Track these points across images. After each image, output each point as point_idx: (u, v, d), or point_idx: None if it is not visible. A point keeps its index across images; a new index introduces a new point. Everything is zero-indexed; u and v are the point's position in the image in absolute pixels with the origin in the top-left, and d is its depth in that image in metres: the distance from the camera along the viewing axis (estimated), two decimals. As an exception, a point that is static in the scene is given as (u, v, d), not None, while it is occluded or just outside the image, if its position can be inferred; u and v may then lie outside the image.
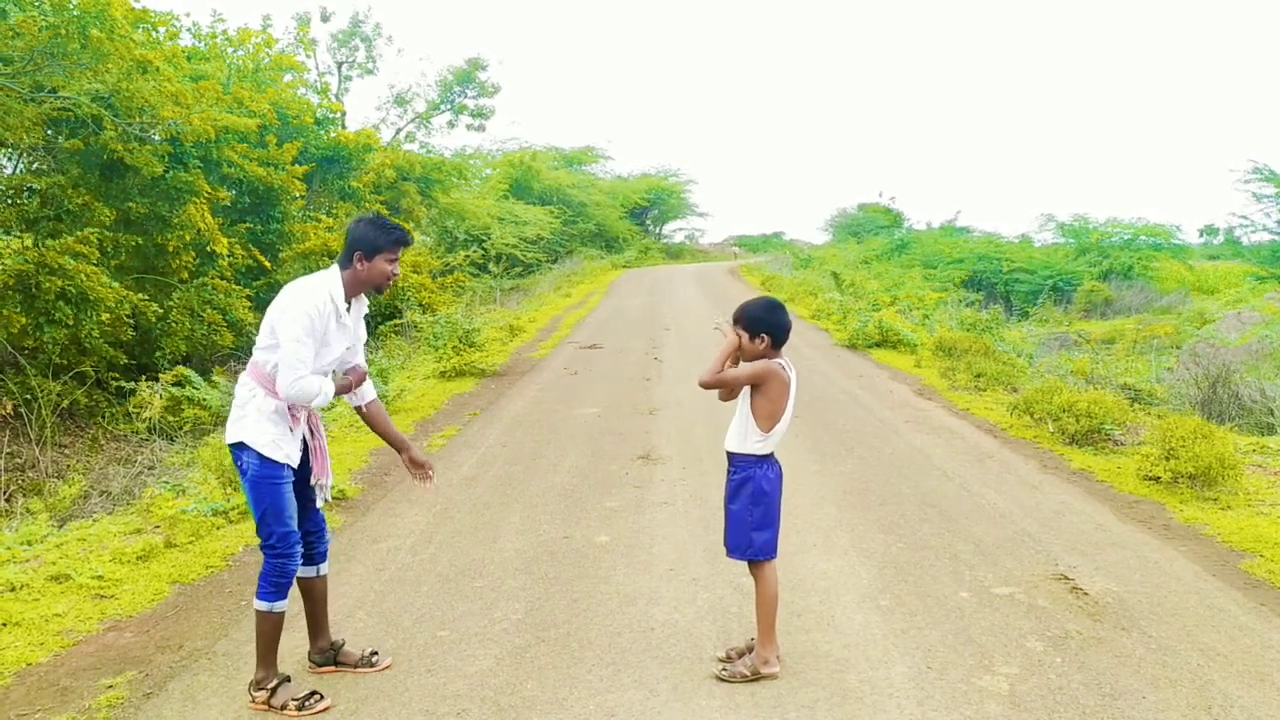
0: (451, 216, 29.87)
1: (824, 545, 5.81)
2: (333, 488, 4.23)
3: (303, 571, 4.13)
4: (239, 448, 3.89)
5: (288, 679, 3.98)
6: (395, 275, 4.03)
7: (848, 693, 3.93)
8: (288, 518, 3.92)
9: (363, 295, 4.12)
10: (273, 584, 3.90)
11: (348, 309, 4.01)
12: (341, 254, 4.01)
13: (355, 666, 4.21)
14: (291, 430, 3.93)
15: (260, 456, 3.84)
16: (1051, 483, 7.25)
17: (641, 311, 22.35)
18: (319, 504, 4.16)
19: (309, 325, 3.78)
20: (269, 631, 3.93)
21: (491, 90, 36.16)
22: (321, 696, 3.91)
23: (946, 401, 10.75)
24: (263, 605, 3.90)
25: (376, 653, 4.28)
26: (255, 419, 3.87)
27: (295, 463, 3.96)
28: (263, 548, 3.92)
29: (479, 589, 5.19)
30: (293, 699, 3.86)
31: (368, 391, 4.28)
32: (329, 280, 3.95)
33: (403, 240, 4.00)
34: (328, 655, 4.23)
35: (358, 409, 4.32)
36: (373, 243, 3.92)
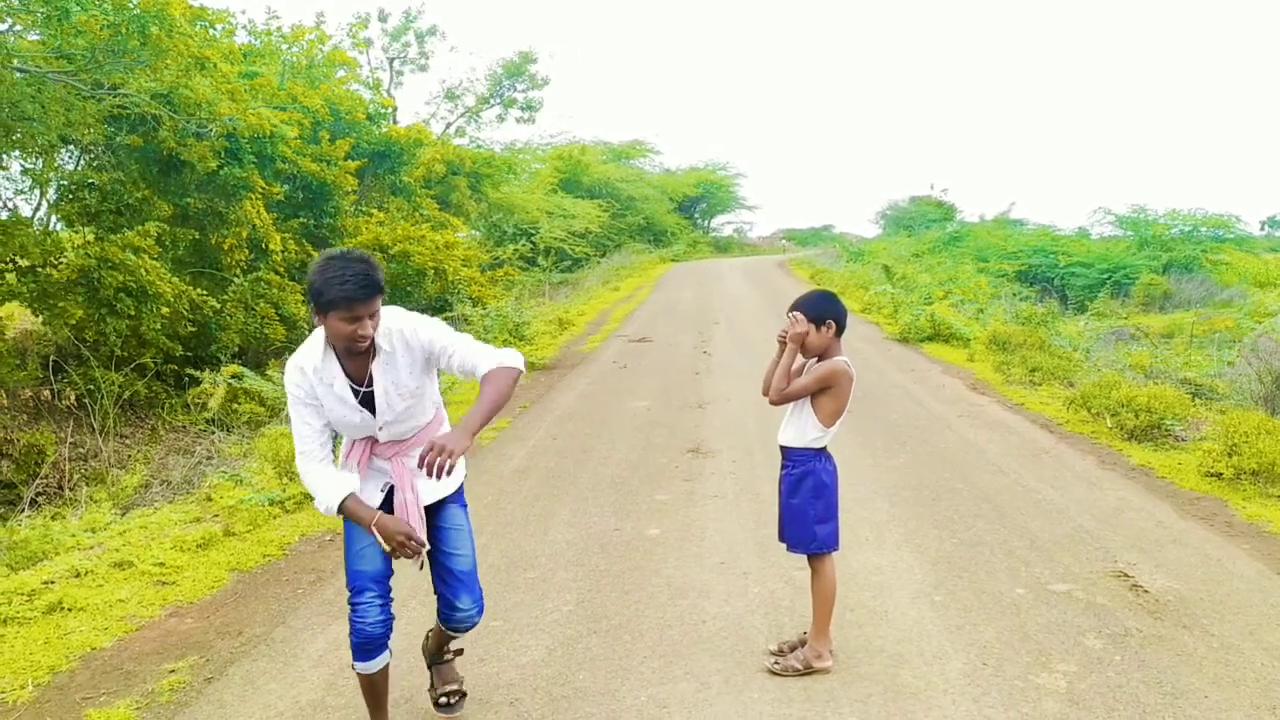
0: (501, 210, 30.06)
1: (876, 540, 5.76)
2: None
3: (437, 621, 3.67)
4: None
5: None
6: (363, 338, 3.11)
7: (902, 688, 3.89)
8: (353, 555, 3.38)
9: (392, 342, 3.26)
10: (352, 642, 3.38)
11: (345, 372, 3.26)
12: None
13: (433, 693, 3.78)
14: (360, 476, 3.40)
15: None
16: (1110, 479, 7.13)
17: (691, 305, 22.31)
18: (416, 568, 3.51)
19: (291, 398, 3.27)
20: (363, 688, 3.51)
21: (541, 84, 36.32)
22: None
23: (1001, 396, 10.60)
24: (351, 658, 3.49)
25: (459, 697, 3.77)
26: None
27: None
28: None
29: (530, 580, 5.22)
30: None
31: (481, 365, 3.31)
32: (311, 342, 3.30)
33: (351, 298, 3.03)
34: (432, 657, 3.83)
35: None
36: (318, 295, 3.06)
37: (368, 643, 3.34)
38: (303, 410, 3.26)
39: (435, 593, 3.58)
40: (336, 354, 3.25)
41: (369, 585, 3.34)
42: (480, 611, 3.58)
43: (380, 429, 3.34)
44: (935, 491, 6.80)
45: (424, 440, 3.41)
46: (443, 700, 3.74)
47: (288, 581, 5.37)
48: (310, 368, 3.23)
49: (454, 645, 3.86)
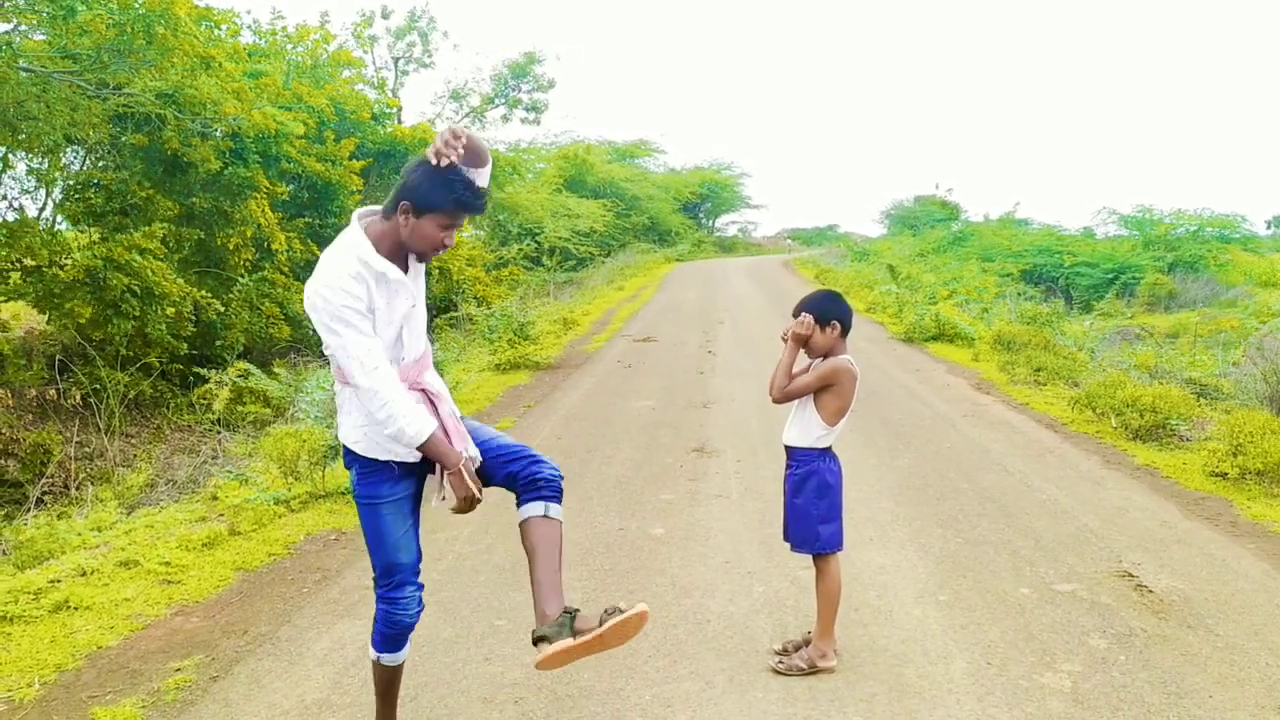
0: (505, 210, 30.04)
1: (881, 539, 5.76)
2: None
3: (522, 510, 3.23)
4: (346, 452, 3.22)
5: None
6: (447, 246, 3.03)
7: (906, 688, 3.90)
8: (390, 547, 3.15)
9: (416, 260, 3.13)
10: (379, 631, 3.24)
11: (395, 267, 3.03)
12: (388, 199, 3.04)
13: (600, 626, 2.99)
14: None
15: (351, 454, 3.17)
16: (1114, 478, 7.12)
17: (695, 305, 22.31)
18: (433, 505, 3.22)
19: (345, 311, 2.91)
20: (380, 679, 3.37)
21: (547, 85, 36.25)
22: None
23: (1005, 396, 10.59)
24: (372, 652, 3.31)
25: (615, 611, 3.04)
26: (344, 413, 3.14)
27: (407, 456, 3.09)
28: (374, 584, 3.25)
29: (535, 579, 5.22)
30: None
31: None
32: (350, 244, 3.01)
33: (465, 205, 2.96)
34: (563, 621, 3.02)
35: None
36: (426, 197, 2.92)
37: (403, 634, 3.24)
38: (362, 322, 2.93)
39: (511, 486, 3.29)
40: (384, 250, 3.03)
41: (411, 579, 3.19)
42: None
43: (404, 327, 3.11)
44: (940, 491, 6.80)
45: (428, 364, 3.31)
46: (617, 610, 3.03)
47: (293, 580, 5.38)
48: (369, 258, 2.96)
49: (562, 608, 3.09)
